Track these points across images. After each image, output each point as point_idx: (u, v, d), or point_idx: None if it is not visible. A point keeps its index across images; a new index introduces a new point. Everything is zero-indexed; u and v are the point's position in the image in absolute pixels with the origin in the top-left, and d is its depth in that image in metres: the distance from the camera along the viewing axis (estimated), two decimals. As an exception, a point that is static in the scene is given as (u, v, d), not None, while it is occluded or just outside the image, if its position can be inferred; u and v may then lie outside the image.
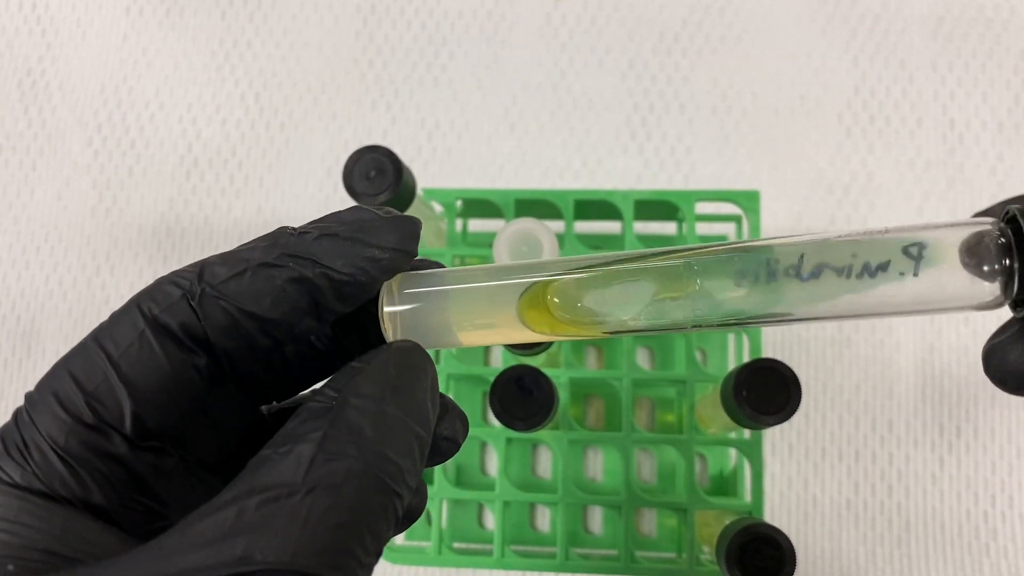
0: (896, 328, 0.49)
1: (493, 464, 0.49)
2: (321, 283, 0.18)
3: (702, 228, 0.50)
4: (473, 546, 0.47)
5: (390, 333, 0.20)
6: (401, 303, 0.19)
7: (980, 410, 0.48)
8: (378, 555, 0.16)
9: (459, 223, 0.45)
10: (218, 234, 0.54)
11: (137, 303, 0.18)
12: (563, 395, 0.39)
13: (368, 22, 0.57)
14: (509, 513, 0.47)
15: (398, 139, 0.55)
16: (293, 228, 0.19)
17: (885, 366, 0.49)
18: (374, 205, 0.19)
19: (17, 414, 0.17)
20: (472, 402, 0.50)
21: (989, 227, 0.18)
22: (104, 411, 0.17)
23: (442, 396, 0.20)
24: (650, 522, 0.48)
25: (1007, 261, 0.18)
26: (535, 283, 0.19)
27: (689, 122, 0.54)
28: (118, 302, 0.55)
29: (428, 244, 0.42)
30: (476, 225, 0.50)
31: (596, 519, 0.48)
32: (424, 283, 0.19)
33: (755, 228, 0.40)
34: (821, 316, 0.19)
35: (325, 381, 0.18)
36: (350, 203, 0.54)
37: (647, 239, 0.50)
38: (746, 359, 0.41)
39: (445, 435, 0.20)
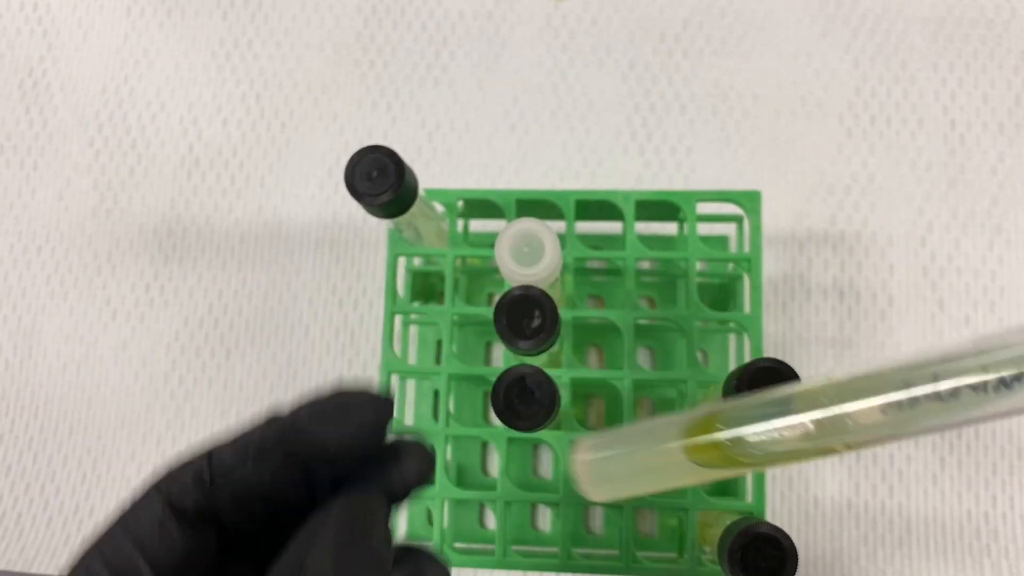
0: (897, 329, 0.49)
1: (494, 464, 0.49)
2: (316, 460, 0.21)
3: (703, 228, 0.50)
4: (474, 546, 0.47)
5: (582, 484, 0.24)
6: (586, 455, 0.22)
7: (981, 411, 0.48)
8: None
9: (460, 223, 0.45)
10: (219, 234, 0.54)
11: (157, 488, 0.21)
12: (564, 395, 0.39)
13: (369, 23, 0.57)
14: (510, 513, 0.47)
15: (398, 139, 0.55)
16: (283, 412, 0.22)
17: (886, 367, 0.49)
18: (352, 383, 0.22)
19: None
20: (473, 402, 0.50)
21: None
22: None
23: (421, 549, 0.23)
24: (651, 522, 0.48)
25: None
26: (709, 439, 0.21)
27: (690, 123, 0.54)
28: (119, 302, 0.55)
29: (431, 245, 0.42)
30: (477, 225, 0.50)
31: (597, 519, 0.48)
32: (607, 444, 0.22)
33: (756, 228, 0.40)
34: (954, 425, 0.20)
35: (286, 549, 0.19)
36: (351, 203, 0.54)
37: (648, 239, 0.50)
38: (747, 360, 0.41)
39: (406, 480, 0.22)
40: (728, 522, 0.36)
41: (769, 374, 0.33)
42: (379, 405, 0.22)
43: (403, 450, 0.22)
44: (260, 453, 0.21)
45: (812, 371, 0.49)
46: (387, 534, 0.20)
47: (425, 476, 0.22)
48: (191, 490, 0.21)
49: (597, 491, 0.24)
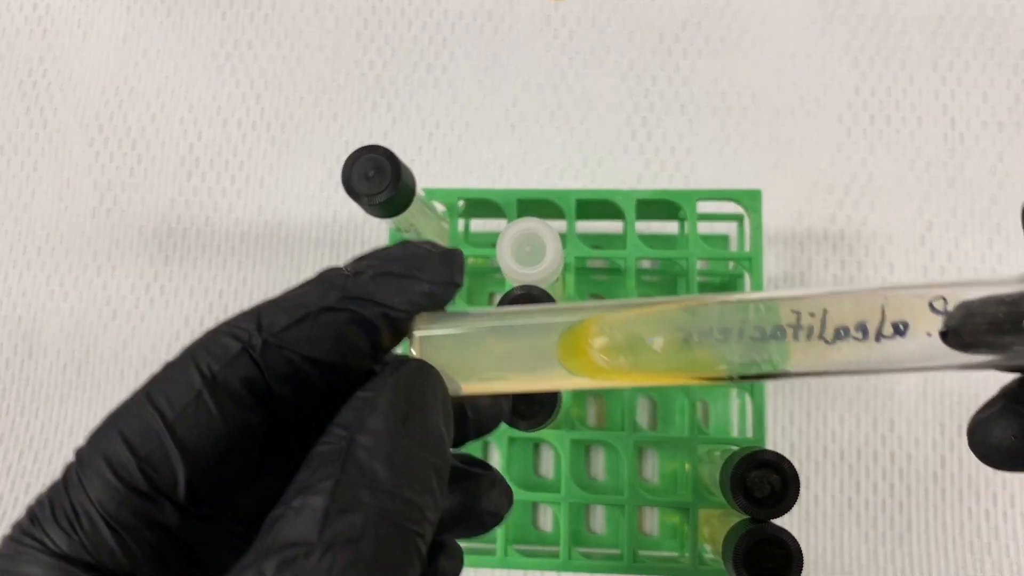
0: (897, 327, 0.49)
1: (496, 464, 0.49)
2: (380, 323, 0.18)
3: (704, 227, 0.50)
4: (476, 545, 0.47)
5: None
6: (429, 331, 0.19)
7: (981, 409, 0.48)
8: None
9: (461, 223, 0.45)
10: (219, 234, 0.54)
11: (193, 357, 0.17)
12: (565, 395, 0.39)
13: (369, 23, 0.57)
14: (512, 512, 0.47)
15: (399, 139, 0.55)
16: (343, 268, 0.19)
17: (886, 365, 0.49)
18: (422, 241, 0.19)
19: (67, 475, 0.17)
20: (474, 402, 0.50)
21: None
22: (157, 478, 0.16)
23: (489, 467, 0.20)
24: (652, 521, 0.48)
25: None
26: (578, 321, 0.19)
27: (689, 122, 0.54)
28: (119, 302, 0.55)
29: (430, 244, 0.42)
30: (477, 225, 0.50)
31: (599, 518, 0.48)
32: (454, 321, 0.19)
33: (756, 227, 0.40)
34: (839, 372, 0.19)
35: (328, 433, 0.17)
36: (351, 203, 0.54)
37: (649, 238, 0.51)
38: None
39: (489, 510, 0.19)
40: (730, 521, 0.36)
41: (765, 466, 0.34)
42: (451, 260, 0.19)
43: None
44: (318, 313, 0.18)
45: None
46: (446, 410, 0.17)
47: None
48: (238, 357, 0.17)
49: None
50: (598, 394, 0.50)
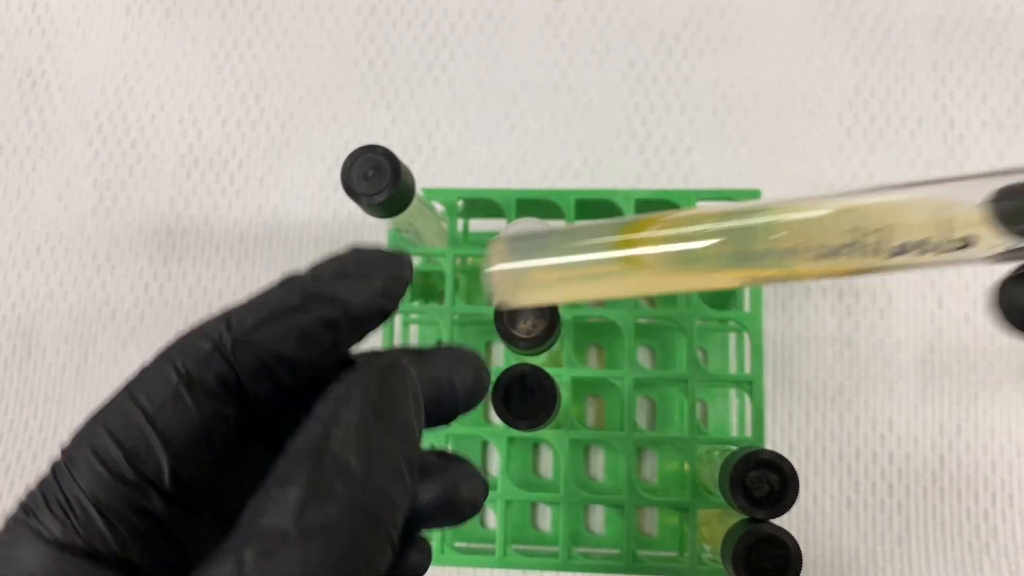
0: (896, 327, 0.50)
1: (495, 463, 0.49)
2: (341, 320, 0.19)
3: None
4: (475, 545, 0.48)
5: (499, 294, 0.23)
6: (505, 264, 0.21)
7: (980, 409, 0.48)
8: None
9: (460, 223, 0.45)
10: (219, 234, 0.54)
11: (169, 359, 0.19)
12: (565, 395, 0.39)
13: (368, 22, 0.57)
14: (511, 512, 0.47)
15: (398, 139, 0.55)
16: (302, 272, 0.20)
17: (885, 365, 0.49)
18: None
19: (56, 469, 0.18)
20: (473, 402, 0.50)
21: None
22: (144, 467, 0.18)
23: (461, 459, 0.21)
24: (651, 521, 0.48)
25: None
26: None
27: (690, 122, 0.54)
28: (118, 302, 0.55)
29: (431, 244, 0.42)
30: (477, 225, 0.50)
31: (598, 518, 0.48)
32: (529, 250, 0.21)
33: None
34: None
35: (306, 423, 0.18)
36: (351, 203, 0.54)
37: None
38: (746, 359, 0.41)
39: (468, 499, 0.20)
40: (729, 521, 0.36)
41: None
42: (399, 261, 0.20)
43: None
44: (283, 312, 0.19)
45: (812, 370, 0.49)
46: (417, 403, 0.19)
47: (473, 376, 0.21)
48: (211, 355, 0.18)
49: (516, 299, 0.22)
50: (597, 394, 0.50)
